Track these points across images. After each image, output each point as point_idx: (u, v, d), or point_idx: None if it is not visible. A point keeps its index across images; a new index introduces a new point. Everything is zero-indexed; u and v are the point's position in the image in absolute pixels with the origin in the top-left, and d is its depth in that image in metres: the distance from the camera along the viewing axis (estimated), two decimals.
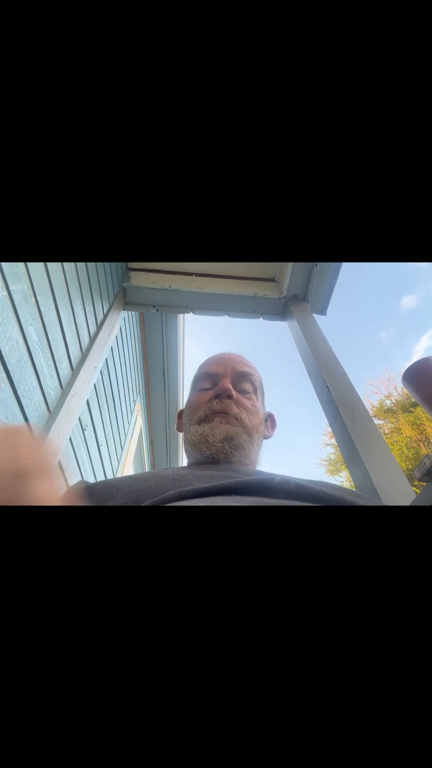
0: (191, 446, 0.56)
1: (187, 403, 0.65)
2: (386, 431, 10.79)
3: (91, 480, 0.84)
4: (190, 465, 0.56)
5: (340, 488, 0.43)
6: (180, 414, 0.68)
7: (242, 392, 0.61)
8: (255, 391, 0.64)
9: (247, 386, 0.63)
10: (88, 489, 0.44)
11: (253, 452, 0.57)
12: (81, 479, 0.54)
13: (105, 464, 1.36)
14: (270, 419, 0.67)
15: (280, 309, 1.38)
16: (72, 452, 0.98)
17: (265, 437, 0.65)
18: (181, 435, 0.67)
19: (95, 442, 1.23)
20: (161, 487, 0.39)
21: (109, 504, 0.39)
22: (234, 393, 0.59)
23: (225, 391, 0.58)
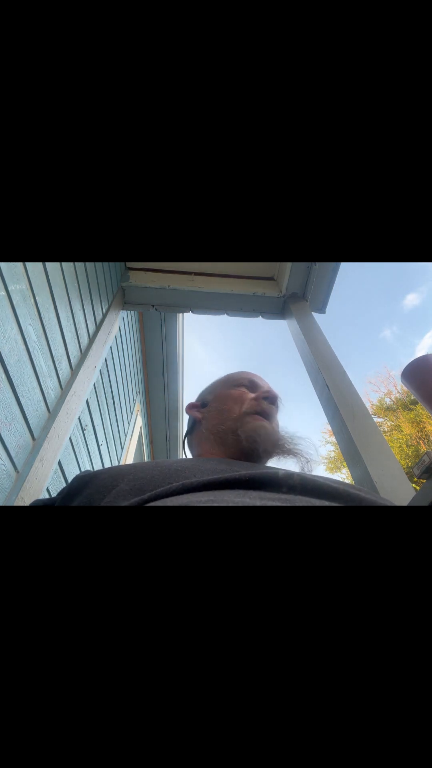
0: (244, 434, 0.55)
1: (221, 394, 0.67)
2: (386, 429, 10.79)
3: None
4: (194, 457, 0.56)
5: (344, 483, 0.43)
6: (195, 404, 0.70)
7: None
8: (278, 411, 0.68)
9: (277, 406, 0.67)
10: (92, 477, 0.45)
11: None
12: (86, 469, 0.55)
13: (105, 464, 1.36)
14: None
15: (279, 307, 1.38)
16: (72, 452, 0.98)
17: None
18: (182, 429, 0.67)
19: (95, 442, 1.23)
20: (165, 478, 0.39)
21: (112, 492, 0.39)
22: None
23: (275, 397, 0.62)
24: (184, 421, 2.68)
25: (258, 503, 0.30)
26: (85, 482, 0.45)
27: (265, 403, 0.61)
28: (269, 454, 0.56)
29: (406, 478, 0.72)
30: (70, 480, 0.92)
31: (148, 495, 0.35)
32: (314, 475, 0.41)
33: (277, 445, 0.56)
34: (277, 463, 0.59)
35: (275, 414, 0.61)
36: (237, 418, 0.59)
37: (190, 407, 0.70)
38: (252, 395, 0.63)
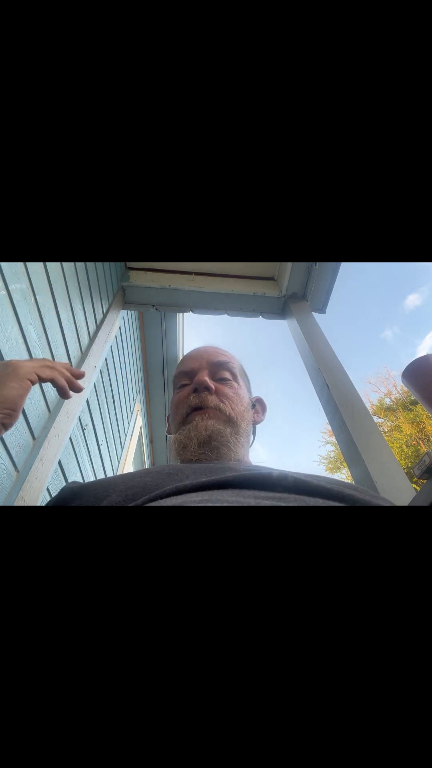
0: (175, 453, 0.55)
1: (170, 405, 0.65)
2: (386, 429, 10.79)
3: (89, 479, 0.84)
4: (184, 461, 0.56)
5: (339, 482, 0.43)
6: (167, 418, 0.68)
7: (222, 381, 0.60)
8: (235, 378, 0.62)
9: (226, 374, 0.61)
10: (83, 488, 0.43)
11: (240, 443, 0.55)
12: (74, 480, 0.54)
13: (105, 464, 1.36)
14: (259, 403, 0.67)
15: (280, 308, 1.38)
16: (72, 451, 0.98)
17: (256, 422, 0.64)
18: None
19: (95, 442, 1.23)
20: (157, 483, 0.38)
21: (104, 502, 0.38)
22: (211, 384, 0.58)
23: (201, 384, 0.57)
24: None
25: (252, 503, 0.30)
26: (74, 493, 0.43)
27: (193, 397, 0.57)
28: (212, 451, 0.51)
29: (406, 478, 0.72)
30: (69, 480, 0.92)
31: (141, 500, 0.35)
32: (308, 475, 0.41)
33: (210, 438, 0.51)
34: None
35: (209, 398, 0.56)
36: (174, 432, 0.56)
37: (167, 422, 0.68)
38: (186, 394, 0.59)
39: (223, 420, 0.54)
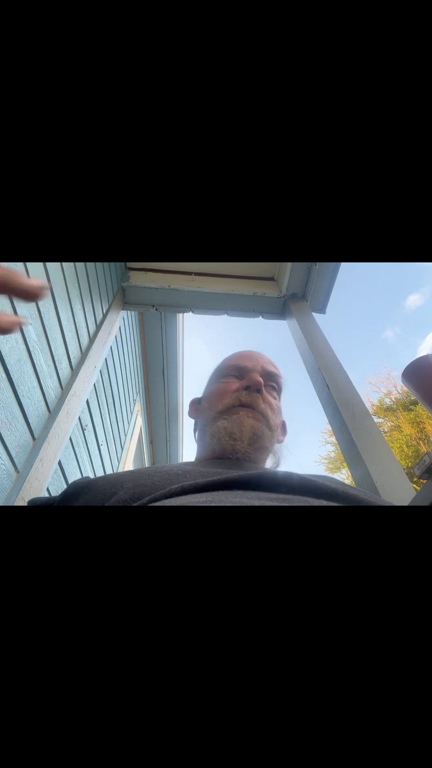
0: (213, 438, 0.54)
1: (208, 390, 0.64)
2: (386, 429, 10.79)
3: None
4: (196, 461, 0.56)
5: (343, 483, 0.43)
6: (194, 402, 0.68)
7: (269, 390, 0.61)
8: (279, 393, 0.64)
9: (274, 386, 0.63)
10: (91, 484, 0.44)
11: (269, 453, 0.57)
12: (82, 476, 0.54)
13: (105, 464, 1.36)
14: (283, 426, 0.68)
15: (280, 308, 1.38)
16: (72, 452, 0.98)
17: (278, 442, 0.65)
18: (182, 430, 0.66)
19: (95, 442, 1.23)
20: (165, 483, 0.39)
21: (111, 500, 0.39)
22: (263, 389, 0.59)
23: (256, 384, 0.58)
24: (184, 421, 2.68)
25: (256, 503, 0.30)
26: (81, 489, 0.44)
27: (245, 394, 0.57)
28: (257, 452, 0.52)
29: (406, 478, 0.72)
30: (69, 481, 0.92)
31: (146, 499, 0.35)
32: (314, 475, 0.41)
33: (258, 439, 0.52)
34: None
35: (261, 401, 0.57)
36: (214, 417, 0.56)
37: (191, 405, 0.69)
38: (235, 386, 0.60)
39: (265, 425, 0.55)
